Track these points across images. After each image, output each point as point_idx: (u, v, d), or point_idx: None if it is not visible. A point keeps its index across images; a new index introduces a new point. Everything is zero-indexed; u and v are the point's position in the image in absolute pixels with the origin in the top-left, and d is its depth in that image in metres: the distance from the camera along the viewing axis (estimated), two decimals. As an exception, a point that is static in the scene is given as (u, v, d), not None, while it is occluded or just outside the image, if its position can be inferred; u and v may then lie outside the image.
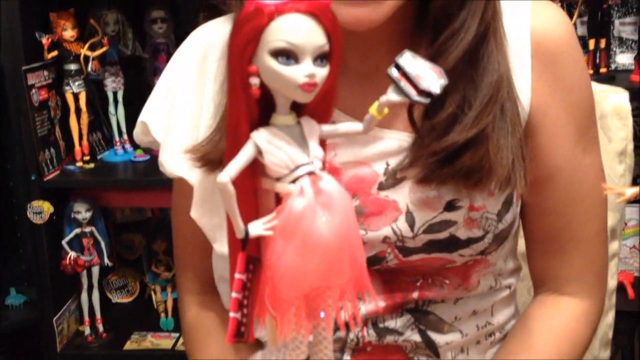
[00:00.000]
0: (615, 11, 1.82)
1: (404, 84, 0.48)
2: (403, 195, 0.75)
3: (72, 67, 1.75)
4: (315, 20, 0.46)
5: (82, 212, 1.79)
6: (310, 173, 0.48)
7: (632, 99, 1.78)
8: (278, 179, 0.49)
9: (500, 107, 0.72)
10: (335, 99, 0.70)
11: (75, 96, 1.76)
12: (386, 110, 0.49)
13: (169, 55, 1.85)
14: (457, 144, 0.70)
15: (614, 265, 1.06)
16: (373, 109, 0.49)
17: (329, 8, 0.47)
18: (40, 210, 1.72)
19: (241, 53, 0.46)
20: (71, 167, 1.81)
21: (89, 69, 1.75)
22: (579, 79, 0.80)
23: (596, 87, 1.07)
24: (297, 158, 0.48)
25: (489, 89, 0.71)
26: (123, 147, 1.89)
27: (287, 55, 0.45)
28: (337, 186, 0.49)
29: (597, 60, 1.73)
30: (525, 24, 0.78)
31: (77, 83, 1.75)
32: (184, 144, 0.77)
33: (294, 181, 0.48)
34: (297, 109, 0.50)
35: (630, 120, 1.09)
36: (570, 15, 1.74)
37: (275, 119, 0.49)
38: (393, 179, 0.75)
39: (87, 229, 1.79)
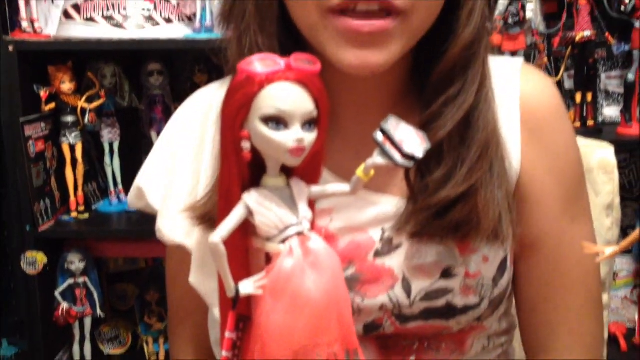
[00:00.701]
0: (601, 65, 1.86)
1: (389, 147, 0.50)
2: (399, 263, 0.75)
3: (69, 119, 1.76)
4: (304, 87, 0.48)
5: (75, 262, 1.79)
6: (299, 233, 0.50)
7: (620, 151, 1.82)
8: (268, 239, 0.51)
9: (489, 163, 0.73)
10: (328, 160, 0.72)
11: (72, 147, 1.78)
12: (372, 172, 0.51)
13: (165, 107, 1.88)
14: (449, 199, 0.71)
15: (605, 317, 1.07)
16: (359, 171, 0.52)
17: (316, 76, 0.49)
18: (34, 260, 1.72)
19: (233, 119, 0.48)
20: (66, 217, 1.81)
21: (86, 120, 1.77)
22: (565, 147, 0.81)
23: (582, 142, 1.09)
24: (287, 219, 0.50)
25: (479, 146, 0.72)
26: (118, 197, 1.90)
27: (277, 121, 0.48)
28: (325, 246, 0.50)
29: (585, 114, 1.75)
30: (515, 89, 0.79)
31: (73, 134, 1.77)
32: (180, 208, 0.77)
33: (283, 241, 0.50)
34: (287, 170, 0.52)
35: (616, 174, 1.10)
36: (557, 69, 1.78)
37: (266, 181, 0.51)
38: (389, 246, 0.76)
39: (80, 280, 1.79)
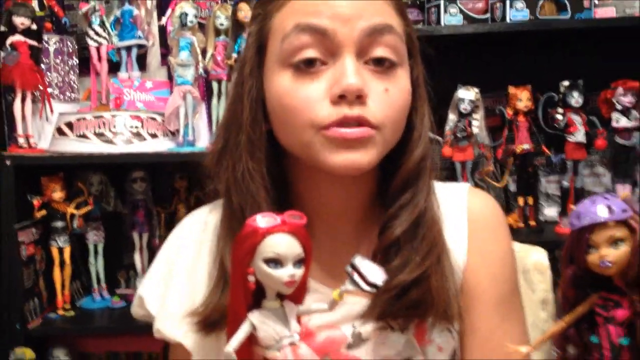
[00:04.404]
0: (541, 170, 2.06)
1: (357, 278, 0.68)
2: (367, 354, 0.88)
3: (59, 224, 1.89)
4: (295, 237, 0.66)
5: (60, 357, 1.90)
6: (291, 343, 0.67)
7: (560, 249, 1.98)
8: (267, 348, 0.68)
9: (437, 256, 0.89)
10: (311, 270, 0.86)
11: (60, 250, 1.91)
12: (344, 295, 0.69)
13: (147, 210, 2.02)
14: (406, 282, 0.85)
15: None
16: (335, 294, 0.69)
17: (303, 227, 0.67)
18: (22, 356, 1.81)
19: (242, 260, 0.66)
20: (53, 315, 1.92)
21: (74, 225, 1.90)
22: (503, 254, 0.96)
23: (519, 246, 1.26)
24: (282, 332, 0.67)
25: (428, 241, 0.88)
26: (101, 294, 2.03)
27: (275, 261, 0.65)
28: (311, 353, 0.67)
29: (527, 214, 1.93)
30: (463, 206, 0.96)
31: (62, 239, 1.90)
32: (179, 312, 0.90)
33: (279, 349, 0.67)
34: (280, 295, 0.69)
35: (549, 273, 1.25)
36: (503, 174, 1.97)
37: (266, 304, 0.68)
38: (359, 340, 0.90)
39: (65, 375, 1.90)
